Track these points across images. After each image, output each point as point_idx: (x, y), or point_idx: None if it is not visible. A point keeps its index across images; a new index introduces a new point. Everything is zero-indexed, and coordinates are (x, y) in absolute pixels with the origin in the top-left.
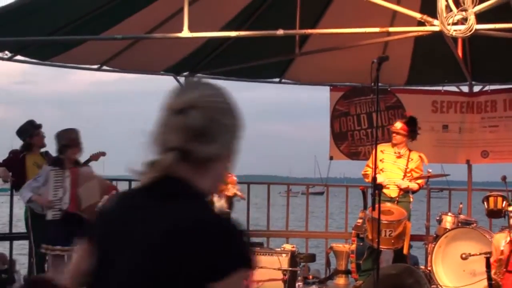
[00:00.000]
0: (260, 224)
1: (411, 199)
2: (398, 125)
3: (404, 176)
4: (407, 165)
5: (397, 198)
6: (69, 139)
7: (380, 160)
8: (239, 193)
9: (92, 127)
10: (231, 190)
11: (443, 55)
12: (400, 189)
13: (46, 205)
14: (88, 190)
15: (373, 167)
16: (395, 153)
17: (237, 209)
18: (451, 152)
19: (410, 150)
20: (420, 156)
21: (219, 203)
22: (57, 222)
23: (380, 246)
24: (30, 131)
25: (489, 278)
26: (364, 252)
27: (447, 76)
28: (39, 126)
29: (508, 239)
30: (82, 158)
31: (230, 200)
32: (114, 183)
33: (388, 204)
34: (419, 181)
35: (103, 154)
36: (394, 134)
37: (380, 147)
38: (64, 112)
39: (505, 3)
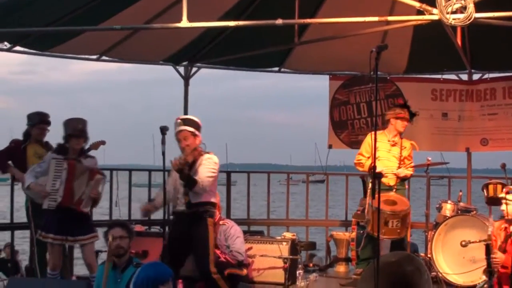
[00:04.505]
0: (260, 213)
1: (406, 186)
2: (406, 112)
3: (400, 164)
4: (400, 153)
5: (395, 186)
6: (73, 129)
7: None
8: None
9: (92, 116)
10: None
11: (442, 44)
12: (398, 177)
13: (42, 194)
14: (81, 183)
15: (372, 155)
16: (389, 141)
17: (237, 198)
18: (450, 140)
19: (401, 138)
20: (412, 144)
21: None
22: (52, 212)
23: (387, 237)
24: (34, 121)
25: (489, 265)
26: (362, 240)
27: (446, 65)
28: (47, 122)
29: (503, 226)
30: None
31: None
32: (114, 172)
33: (392, 193)
34: (410, 168)
35: (103, 143)
36: (405, 122)
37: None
38: (64, 101)
39: None
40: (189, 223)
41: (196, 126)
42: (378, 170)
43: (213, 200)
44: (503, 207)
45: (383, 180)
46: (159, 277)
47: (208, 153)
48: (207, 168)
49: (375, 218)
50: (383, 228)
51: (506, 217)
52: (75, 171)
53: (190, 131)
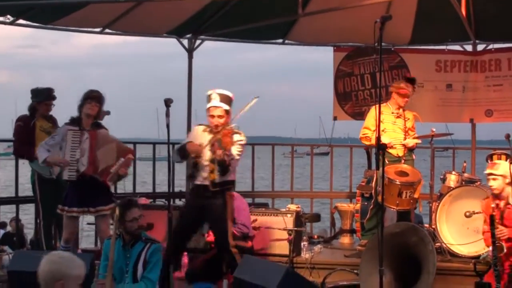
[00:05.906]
0: (265, 185)
1: (414, 157)
2: (410, 88)
3: (405, 135)
4: (405, 124)
5: (403, 157)
6: (89, 93)
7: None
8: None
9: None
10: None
11: (446, 14)
12: (406, 148)
13: (62, 165)
14: (106, 153)
15: (376, 127)
16: (392, 113)
17: (242, 170)
18: (455, 111)
19: (404, 110)
20: (414, 115)
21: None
22: (72, 184)
23: (400, 208)
24: (40, 98)
25: (493, 235)
26: (368, 212)
27: (451, 35)
28: (53, 97)
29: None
30: None
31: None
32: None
33: (403, 165)
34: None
35: (108, 113)
36: (406, 99)
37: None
38: (68, 75)
39: None
40: (208, 198)
41: (230, 102)
42: (386, 142)
43: (233, 178)
44: (492, 183)
45: (392, 151)
46: None
47: (238, 133)
48: (236, 150)
49: (388, 189)
50: (396, 199)
51: (495, 193)
52: (97, 140)
53: (226, 110)
